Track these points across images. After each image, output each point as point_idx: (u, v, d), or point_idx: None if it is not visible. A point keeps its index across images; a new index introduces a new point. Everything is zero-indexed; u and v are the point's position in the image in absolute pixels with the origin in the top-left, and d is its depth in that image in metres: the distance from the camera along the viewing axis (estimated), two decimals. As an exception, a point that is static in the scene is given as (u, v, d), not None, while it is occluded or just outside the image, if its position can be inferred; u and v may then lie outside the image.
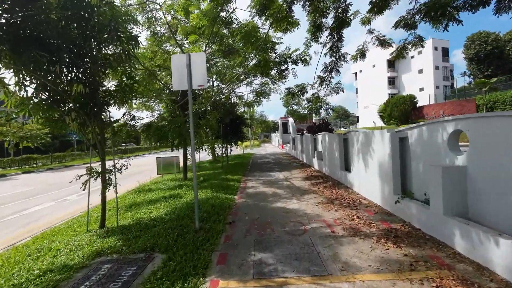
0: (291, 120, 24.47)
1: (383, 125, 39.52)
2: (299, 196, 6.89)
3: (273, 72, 11.68)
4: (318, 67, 16.24)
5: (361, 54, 11.89)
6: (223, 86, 19.62)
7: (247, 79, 20.81)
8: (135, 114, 6.77)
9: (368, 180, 6.08)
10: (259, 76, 19.95)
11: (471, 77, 49.24)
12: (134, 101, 14.67)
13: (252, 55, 13.28)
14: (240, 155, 22.81)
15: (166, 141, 6.18)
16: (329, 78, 12.20)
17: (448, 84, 47.07)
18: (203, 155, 23.78)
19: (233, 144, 16.90)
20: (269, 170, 12.56)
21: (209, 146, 14.30)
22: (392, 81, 51.77)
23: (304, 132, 24.21)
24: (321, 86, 12.63)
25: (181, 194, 7.52)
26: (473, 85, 28.03)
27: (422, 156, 4.54)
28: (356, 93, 61.31)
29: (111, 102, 5.36)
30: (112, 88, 5.38)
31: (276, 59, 11.03)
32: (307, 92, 13.82)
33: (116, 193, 5.41)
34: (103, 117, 5.21)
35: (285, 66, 11.09)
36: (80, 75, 4.66)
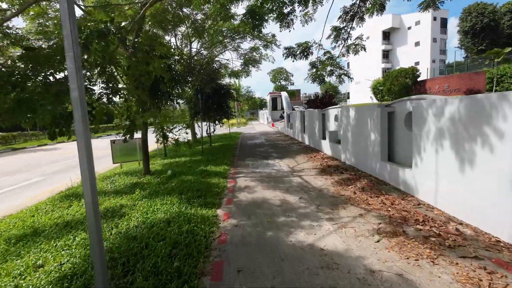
0: (284, 94, 21.05)
1: (376, 101, 37.19)
2: (330, 213, 3.97)
3: (271, 19, 8.27)
4: (327, 23, 12.63)
5: (380, 6, 8.71)
6: (203, 50, 15.81)
7: (234, 41, 17.10)
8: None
9: (477, 189, 3.21)
10: (248, 37, 16.28)
11: (468, 52, 47.44)
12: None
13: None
14: (226, 134, 19.61)
15: (29, 113, 2.47)
16: (348, 30, 8.97)
17: (444, 58, 44.97)
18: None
19: (217, 122, 13.64)
20: (265, 156, 9.56)
21: (154, 128, 10.68)
22: (386, 55, 48.93)
23: (301, 107, 21.21)
24: (336, 42, 9.42)
25: (125, 210, 4.37)
26: (484, 56, 25.62)
27: None
28: (348, 67, 58.21)
29: None
30: None
31: (277, -4, 7.56)
32: (311, 53, 10.63)
33: None
34: None
35: (291, 6, 7.68)
36: None
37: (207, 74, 9.69)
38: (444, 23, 43.82)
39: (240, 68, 19.15)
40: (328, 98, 13.91)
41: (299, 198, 4.70)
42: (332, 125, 9.10)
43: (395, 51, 47.94)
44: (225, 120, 14.42)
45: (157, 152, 11.33)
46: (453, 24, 47.53)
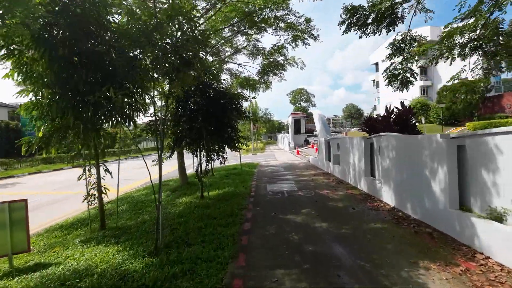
0: (317, 112, 15.10)
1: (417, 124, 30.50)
2: None
3: None
4: None
5: None
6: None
7: (248, 39, 12.08)
8: None
9: None
10: (268, 29, 11.18)
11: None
12: None
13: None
14: (236, 167, 13.97)
15: None
16: None
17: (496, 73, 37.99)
18: (167, 170, 14.93)
19: (217, 155, 8.12)
20: (320, 260, 3.69)
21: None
22: (424, 71, 42.70)
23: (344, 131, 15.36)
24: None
25: None
26: None
27: None
28: (377, 87, 52.29)
29: None
30: None
31: None
32: (401, 20, 5.17)
33: None
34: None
35: None
36: None
37: (175, 49, 4.03)
38: (496, 33, 37.53)
39: (257, 78, 13.96)
40: (406, 113, 8.05)
41: None
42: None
43: (434, 66, 41.77)
44: (230, 147, 8.82)
45: (87, 218, 5.77)
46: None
